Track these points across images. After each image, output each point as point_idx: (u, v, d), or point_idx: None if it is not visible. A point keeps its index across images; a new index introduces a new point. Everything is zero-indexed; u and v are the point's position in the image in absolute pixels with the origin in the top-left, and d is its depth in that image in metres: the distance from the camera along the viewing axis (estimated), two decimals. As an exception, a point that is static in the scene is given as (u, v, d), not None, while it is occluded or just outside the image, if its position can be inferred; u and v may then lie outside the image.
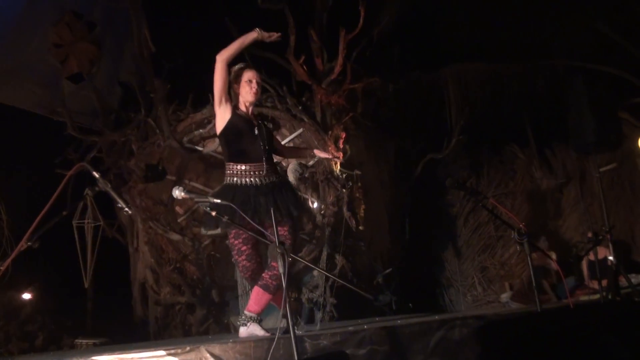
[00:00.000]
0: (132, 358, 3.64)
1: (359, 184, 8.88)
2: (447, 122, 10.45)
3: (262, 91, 8.76)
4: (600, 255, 7.91)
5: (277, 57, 8.77)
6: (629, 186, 10.84)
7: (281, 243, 3.43)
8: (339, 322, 7.02)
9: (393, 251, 9.61)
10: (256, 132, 4.81)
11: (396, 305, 8.17)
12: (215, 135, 8.62)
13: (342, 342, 3.95)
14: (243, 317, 4.76)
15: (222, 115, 4.79)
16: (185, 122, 8.85)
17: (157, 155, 8.94)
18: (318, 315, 7.82)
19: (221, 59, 4.71)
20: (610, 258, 6.31)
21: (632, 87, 10.19)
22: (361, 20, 8.50)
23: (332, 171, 8.51)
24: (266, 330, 4.59)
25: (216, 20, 8.67)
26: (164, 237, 8.80)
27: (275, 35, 4.89)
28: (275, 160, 5.16)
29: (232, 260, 5.23)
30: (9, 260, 3.33)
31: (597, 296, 7.62)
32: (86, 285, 8.83)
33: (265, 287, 4.64)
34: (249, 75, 4.93)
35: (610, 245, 6.39)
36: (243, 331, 4.68)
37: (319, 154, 5.88)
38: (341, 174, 8.59)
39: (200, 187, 9.31)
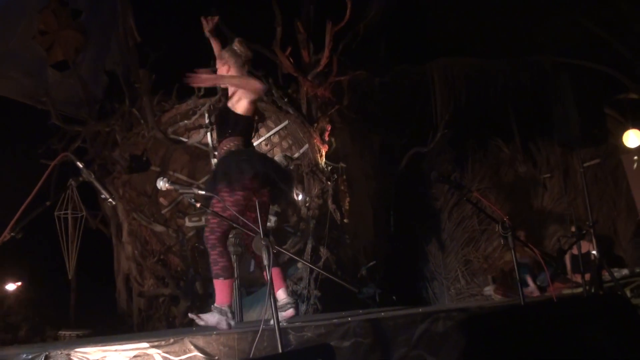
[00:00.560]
0: (115, 350, 3.62)
1: (344, 177, 8.88)
2: (432, 115, 10.47)
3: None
4: (584, 250, 7.97)
5: (263, 49, 8.74)
6: (612, 181, 10.94)
7: (265, 235, 3.42)
8: (323, 315, 7.03)
9: (377, 244, 9.63)
10: None
11: (380, 297, 8.19)
12: (200, 126, 8.61)
13: (326, 334, 3.95)
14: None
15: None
16: (170, 113, 8.81)
17: (141, 145, 8.90)
18: (302, 307, 7.83)
19: None
20: (594, 252, 6.35)
21: (617, 84, 10.27)
22: (348, 13, 8.49)
23: (317, 163, 8.50)
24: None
25: (202, 10, 8.61)
26: (147, 229, 8.76)
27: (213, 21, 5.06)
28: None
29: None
30: (-8, 251, 3.30)
31: (580, 290, 7.68)
32: (70, 277, 8.78)
33: (217, 276, 4.64)
34: None
35: (594, 239, 6.43)
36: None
37: None
38: (326, 167, 8.59)
39: (185, 178, 9.28)
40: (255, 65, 8.56)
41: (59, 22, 8.62)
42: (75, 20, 8.85)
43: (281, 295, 4.67)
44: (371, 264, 8.72)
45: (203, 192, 3.97)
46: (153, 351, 3.64)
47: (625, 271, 8.95)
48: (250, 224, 3.88)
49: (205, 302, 8.45)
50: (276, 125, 8.82)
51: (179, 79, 8.51)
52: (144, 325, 8.64)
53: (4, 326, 8.71)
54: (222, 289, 4.63)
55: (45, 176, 3.46)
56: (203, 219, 7.32)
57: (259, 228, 3.49)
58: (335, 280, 4.75)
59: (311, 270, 7.80)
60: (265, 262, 3.35)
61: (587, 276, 6.39)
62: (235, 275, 5.70)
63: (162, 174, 8.73)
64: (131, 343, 3.69)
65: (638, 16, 9.70)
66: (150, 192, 8.99)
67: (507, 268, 9.42)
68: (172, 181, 3.82)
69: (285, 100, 8.67)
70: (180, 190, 3.92)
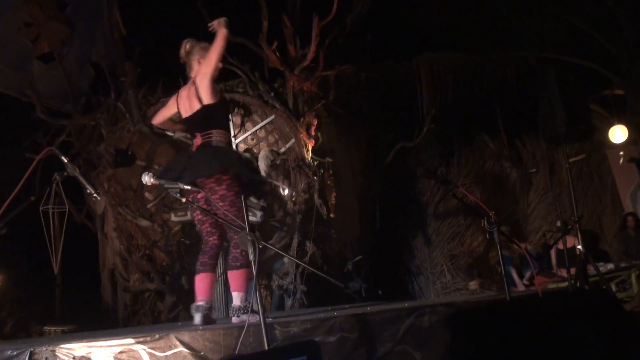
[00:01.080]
0: (100, 346, 3.59)
1: (330, 172, 8.88)
2: (418, 110, 10.49)
3: (234, 77, 8.77)
4: (569, 244, 8.02)
5: (249, 43, 8.71)
6: (597, 177, 11.01)
7: (251, 230, 3.41)
8: (309, 309, 7.03)
9: (363, 239, 9.64)
10: None
11: (366, 292, 8.20)
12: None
13: (312, 329, 3.95)
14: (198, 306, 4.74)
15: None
16: (155, 107, 8.76)
17: (126, 140, 8.85)
18: (288, 302, 7.83)
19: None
20: (579, 247, 6.37)
21: (603, 79, 10.32)
22: (334, 7, 8.48)
23: (303, 158, 8.49)
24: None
25: (189, 3, 8.59)
26: (133, 224, 8.72)
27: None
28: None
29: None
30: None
31: (565, 284, 7.72)
32: (55, 272, 8.73)
33: (198, 271, 4.65)
34: None
35: (579, 234, 6.45)
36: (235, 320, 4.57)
37: None
38: (313, 161, 8.58)
39: (171, 173, 9.22)
40: (242, 59, 8.57)
41: (45, 14, 8.54)
42: (61, 12, 8.78)
43: (235, 299, 4.63)
44: (357, 258, 8.72)
45: (189, 187, 3.95)
46: (138, 347, 3.61)
47: (610, 266, 9.02)
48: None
49: (191, 297, 8.42)
50: (262, 120, 8.78)
51: (164, 72, 8.56)
52: (130, 320, 8.61)
53: (-12, 322, 8.68)
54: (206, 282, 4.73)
55: (30, 170, 3.43)
56: (188, 213, 7.31)
57: (244, 223, 3.48)
58: (321, 275, 4.76)
59: (297, 265, 7.80)
60: (252, 257, 3.34)
61: (573, 271, 6.41)
62: (221, 271, 5.70)
63: (147, 168, 8.68)
64: (116, 339, 3.67)
65: (623, 12, 9.74)
66: (135, 187, 8.94)
67: (492, 263, 9.46)
68: (157, 176, 3.78)
69: (272, 94, 8.65)
70: (166, 185, 3.87)
